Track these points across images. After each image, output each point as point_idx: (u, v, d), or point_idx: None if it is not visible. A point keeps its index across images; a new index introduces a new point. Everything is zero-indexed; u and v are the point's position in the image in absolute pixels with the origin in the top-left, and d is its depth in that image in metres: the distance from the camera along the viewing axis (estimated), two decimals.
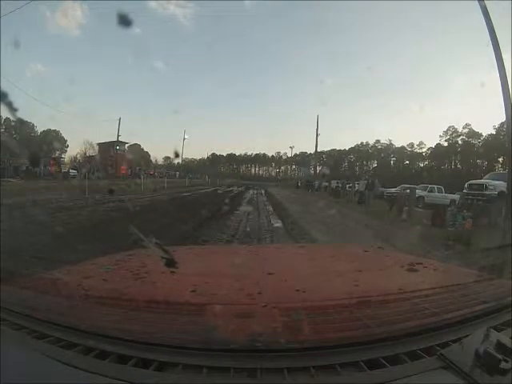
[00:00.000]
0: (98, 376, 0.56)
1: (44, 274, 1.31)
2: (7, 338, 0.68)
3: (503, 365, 0.52)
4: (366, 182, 18.76)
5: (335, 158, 75.43)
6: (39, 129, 54.12)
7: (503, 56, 7.43)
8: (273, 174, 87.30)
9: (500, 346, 0.55)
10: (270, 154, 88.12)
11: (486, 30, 7.64)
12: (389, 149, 73.18)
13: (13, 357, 0.62)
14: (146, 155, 60.61)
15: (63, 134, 58.14)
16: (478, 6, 7.91)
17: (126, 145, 39.90)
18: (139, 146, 58.44)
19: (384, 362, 0.59)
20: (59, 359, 0.60)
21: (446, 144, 64.85)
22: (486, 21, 7.61)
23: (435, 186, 19.25)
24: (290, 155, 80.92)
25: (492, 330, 0.61)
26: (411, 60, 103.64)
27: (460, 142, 63.44)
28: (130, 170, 36.65)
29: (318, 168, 52.65)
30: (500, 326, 0.70)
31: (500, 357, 0.52)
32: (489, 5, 7.84)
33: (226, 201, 15.47)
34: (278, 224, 8.99)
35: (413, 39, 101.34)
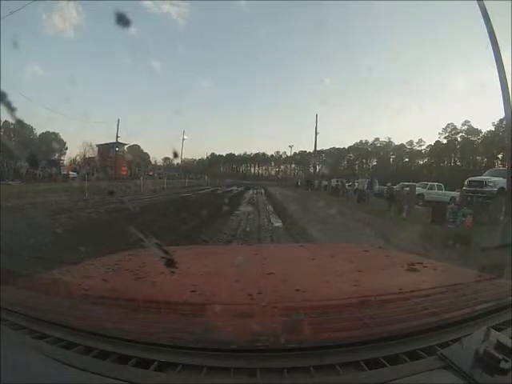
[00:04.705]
0: (98, 376, 0.56)
1: (44, 274, 1.31)
2: (7, 338, 0.68)
3: (503, 365, 0.52)
4: (365, 180, 18.78)
5: (334, 156, 75.32)
6: (38, 131, 54.14)
7: (502, 53, 7.44)
8: (272, 173, 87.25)
9: (500, 345, 0.55)
10: (269, 154, 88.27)
11: (485, 28, 7.64)
12: (388, 147, 73.18)
13: (13, 357, 0.62)
14: (145, 156, 60.60)
15: (62, 136, 58.03)
16: (477, 5, 7.91)
17: (125, 146, 39.80)
18: (138, 146, 58.49)
19: (384, 361, 0.59)
20: (59, 359, 0.60)
21: (445, 141, 64.80)
22: (484, 20, 7.60)
23: (435, 184, 19.27)
24: (289, 154, 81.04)
25: (492, 329, 0.61)
26: (410, 58, 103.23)
27: (459, 138, 63.38)
28: (129, 171, 36.66)
29: (318, 167, 52.78)
30: (500, 325, 0.70)
31: (500, 357, 0.52)
32: (488, 3, 7.84)
33: (226, 201, 15.49)
34: (277, 224, 8.99)
35: (412, 36, 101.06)
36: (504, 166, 14.79)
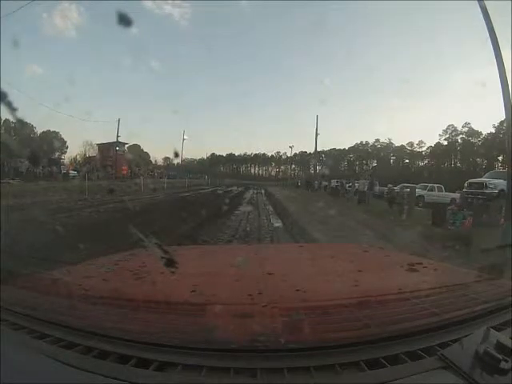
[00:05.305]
0: (98, 376, 0.56)
1: (44, 274, 1.31)
2: (7, 338, 0.68)
3: (503, 365, 0.52)
4: (366, 181, 18.76)
5: (335, 157, 75.43)
6: (39, 130, 54.20)
7: (503, 54, 7.43)
8: (272, 173, 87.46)
9: (500, 345, 0.55)
10: (269, 154, 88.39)
11: (486, 29, 7.64)
12: (388, 148, 73.25)
13: (13, 357, 0.61)
14: (145, 156, 60.56)
15: (63, 135, 58.16)
16: (477, 5, 7.91)
17: (126, 145, 39.86)
18: (139, 146, 58.46)
19: (384, 361, 0.59)
20: (59, 359, 0.60)
21: (445, 143, 65.04)
22: (485, 20, 7.60)
23: (435, 185, 19.25)
24: (289, 155, 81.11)
25: (492, 329, 0.61)
26: (411, 59, 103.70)
27: (460, 140, 63.53)
28: (129, 171, 36.71)
29: (318, 167, 52.80)
30: (500, 326, 0.70)
31: (500, 357, 0.52)
32: (488, 3, 7.84)
33: (226, 201, 15.50)
34: (277, 224, 8.99)
35: (412, 38, 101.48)
36: (504, 168, 14.76)
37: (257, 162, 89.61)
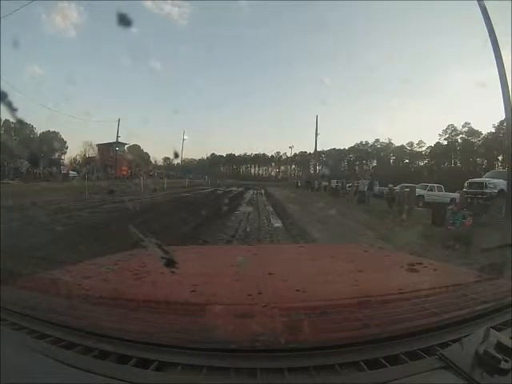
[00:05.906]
0: (98, 376, 0.56)
1: (44, 274, 1.31)
2: (7, 338, 0.68)
3: (503, 365, 0.52)
4: (366, 181, 18.78)
5: (335, 157, 75.52)
6: (38, 130, 54.34)
7: (503, 54, 7.44)
8: (272, 174, 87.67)
9: (500, 346, 0.55)
10: (269, 154, 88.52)
11: (486, 29, 7.64)
12: (388, 148, 73.40)
13: (13, 357, 0.62)
14: (145, 156, 60.59)
15: (62, 136, 58.42)
16: (478, 5, 7.91)
17: (126, 146, 39.71)
18: (139, 146, 58.48)
19: (384, 362, 0.59)
20: (59, 359, 0.60)
21: (445, 143, 65.23)
22: (485, 21, 7.60)
23: (435, 185, 19.28)
24: (289, 155, 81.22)
25: (492, 329, 0.61)
26: (411, 59, 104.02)
27: (459, 140, 63.69)
28: (129, 171, 36.67)
29: (318, 167, 52.84)
30: (500, 325, 0.70)
31: (500, 357, 0.52)
32: (488, 3, 7.84)
33: (226, 201, 15.47)
34: (277, 224, 8.97)
35: (412, 38, 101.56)
36: (504, 168, 14.76)
37: (257, 163, 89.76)
